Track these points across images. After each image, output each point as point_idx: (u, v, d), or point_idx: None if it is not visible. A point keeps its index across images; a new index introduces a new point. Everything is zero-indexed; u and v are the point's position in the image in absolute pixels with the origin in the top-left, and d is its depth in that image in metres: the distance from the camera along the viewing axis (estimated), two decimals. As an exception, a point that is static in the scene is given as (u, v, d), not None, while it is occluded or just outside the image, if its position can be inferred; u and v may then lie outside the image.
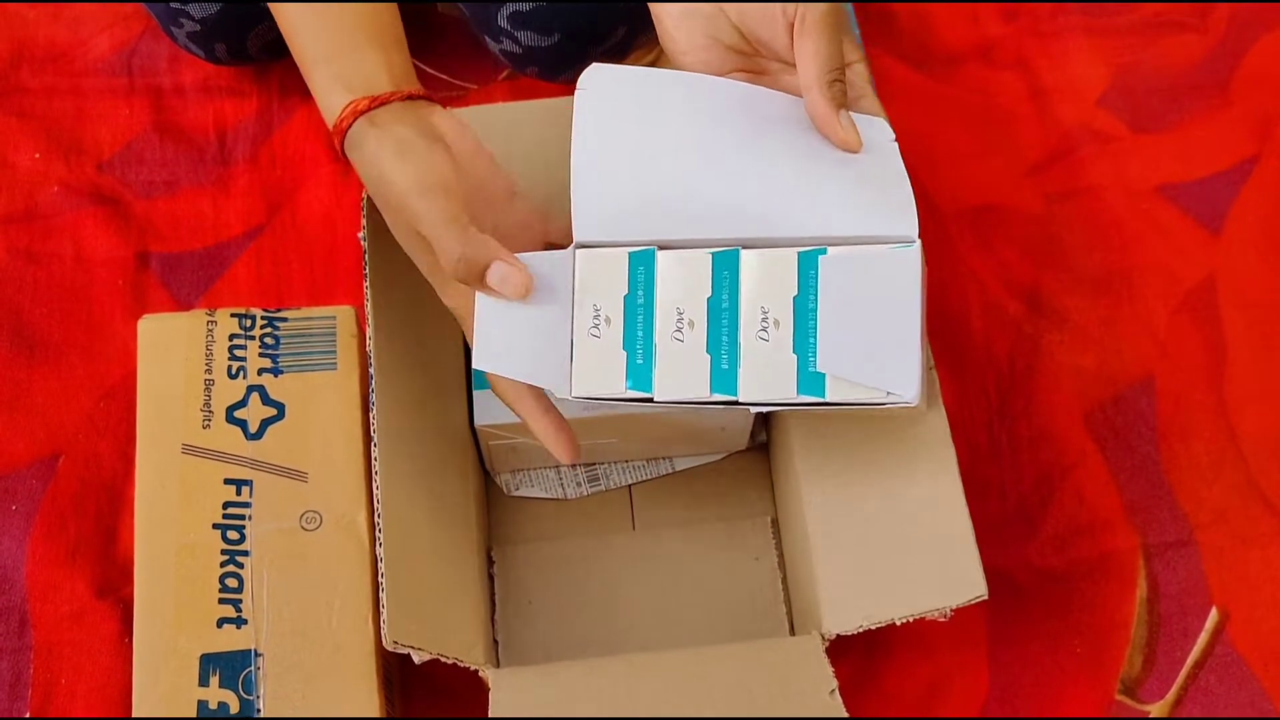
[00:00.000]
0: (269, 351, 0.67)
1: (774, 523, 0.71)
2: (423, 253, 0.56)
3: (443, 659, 0.55)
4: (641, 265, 0.54)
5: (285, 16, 0.59)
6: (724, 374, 0.53)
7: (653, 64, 0.87)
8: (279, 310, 0.68)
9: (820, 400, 0.52)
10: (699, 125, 0.55)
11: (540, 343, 0.53)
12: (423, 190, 0.54)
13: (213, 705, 0.59)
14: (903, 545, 0.59)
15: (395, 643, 0.54)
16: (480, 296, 0.54)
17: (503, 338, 0.53)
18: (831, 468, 0.63)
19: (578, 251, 0.54)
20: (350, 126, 0.56)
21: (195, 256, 0.79)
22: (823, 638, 0.59)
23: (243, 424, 0.65)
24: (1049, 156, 0.84)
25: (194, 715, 0.58)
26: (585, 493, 0.71)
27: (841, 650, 0.67)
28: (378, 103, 0.56)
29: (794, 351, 0.53)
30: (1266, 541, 0.73)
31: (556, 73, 0.82)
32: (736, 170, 0.54)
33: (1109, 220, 0.82)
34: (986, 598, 0.56)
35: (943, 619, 0.56)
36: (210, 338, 0.66)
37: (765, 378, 0.53)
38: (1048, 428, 0.76)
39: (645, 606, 0.69)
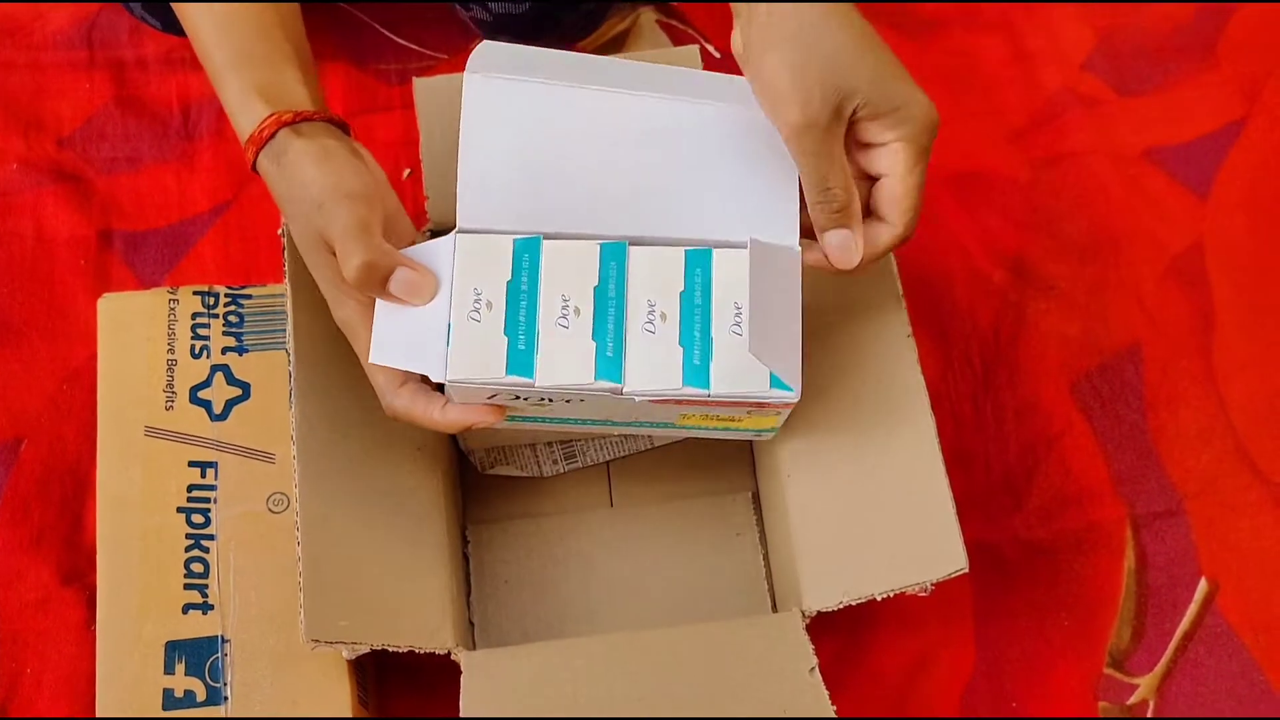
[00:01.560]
0: (233, 330, 0.65)
1: (755, 497, 0.70)
2: (323, 265, 0.54)
3: (390, 649, 0.54)
4: (526, 252, 0.53)
5: (189, 17, 0.58)
6: (609, 361, 0.52)
7: (625, 32, 0.85)
8: (243, 287, 0.66)
9: (704, 393, 0.52)
10: (593, 117, 0.54)
11: (425, 330, 0.52)
12: (339, 195, 0.53)
13: (178, 694, 0.58)
14: (882, 519, 0.58)
15: (315, 641, 0.52)
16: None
17: (396, 330, 0.53)
18: (811, 441, 0.62)
19: (459, 236, 0.53)
20: (272, 136, 0.54)
21: (160, 234, 0.77)
22: (803, 615, 0.58)
23: (207, 405, 0.63)
24: (1033, 121, 0.82)
25: (159, 704, 0.57)
26: (562, 470, 0.70)
27: (825, 627, 0.65)
28: (302, 118, 0.55)
29: (680, 344, 0.53)
30: (1256, 510, 0.72)
31: (529, 40, 0.80)
32: (626, 168, 0.54)
33: (1095, 185, 0.80)
34: (967, 570, 0.55)
35: (923, 593, 0.55)
36: (172, 316, 0.65)
37: (651, 368, 0.52)
38: (1033, 398, 0.74)
39: (625, 585, 0.68)
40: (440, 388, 0.54)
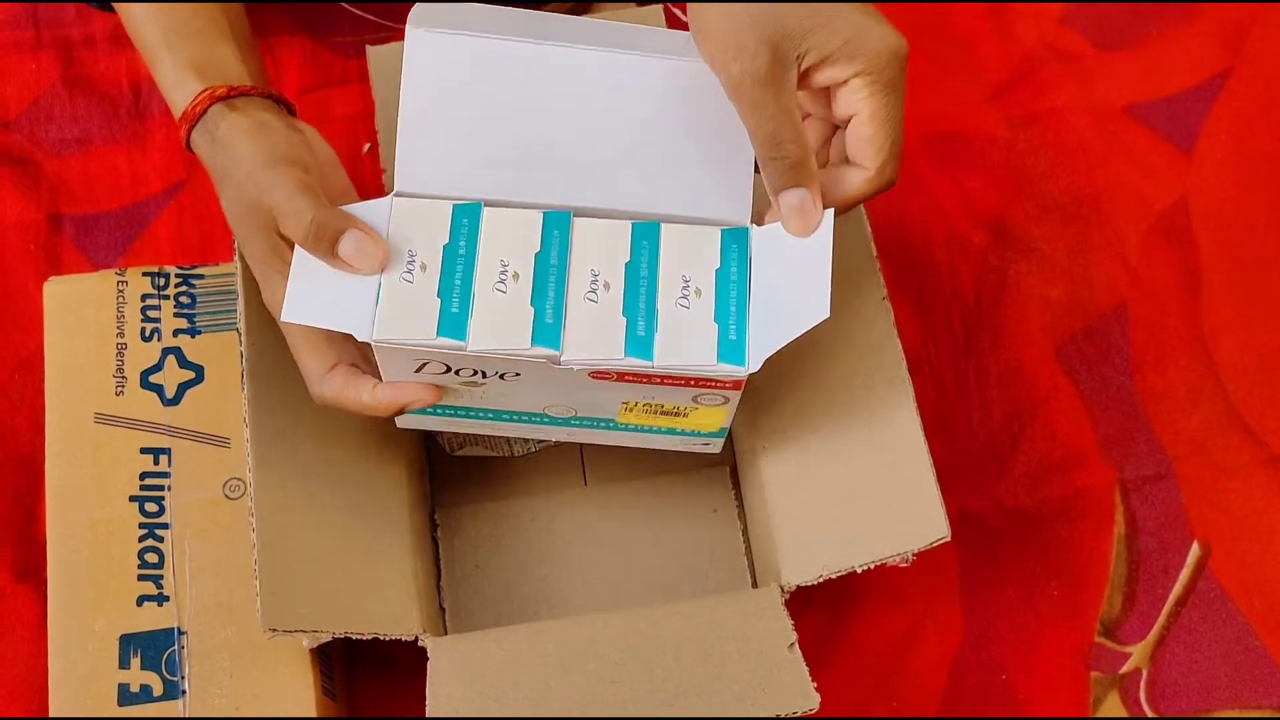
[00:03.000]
0: (185, 311, 0.63)
1: (733, 472, 0.68)
2: (254, 239, 0.51)
3: (354, 636, 0.52)
4: (466, 217, 0.51)
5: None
6: (547, 328, 0.49)
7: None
8: (195, 267, 0.64)
9: (647, 364, 0.50)
10: (540, 75, 0.52)
11: (350, 292, 0.49)
12: (274, 162, 0.50)
13: (134, 689, 0.55)
14: (861, 490, 0.56)
15: (273, 630, 0.50)
16: (297, 250, 0.50)
17: (314, 290, 0.49)
18: (785, 411, 0.60)
19: (396, 200, 0.51)
20: (205, 112, 0.52)
21: (112, 217, 0.74)
22: (782, 590, 0.56)
23: (159, 389, 0.61)
24: (1011, 79, 0.80)
25: (114, 700, 0.55)
26: (532, 449, 0.68)
27: (808, 603, 0.64)
28: (237, 92, 0.53)
29: (624, 315, 0.50)
30: (1248, 471, 0.70)
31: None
32: (574, 130, 0.52)
33: (1076, 143, 0.78)
34: (949, 539, 0.53)
35: (905, 564, 0.53)
36: (121, 299, 0.63)
37: (591, 337, 0.49)
38: (1017, 362, 0.72)
39: (600, 566, 0.66)
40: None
